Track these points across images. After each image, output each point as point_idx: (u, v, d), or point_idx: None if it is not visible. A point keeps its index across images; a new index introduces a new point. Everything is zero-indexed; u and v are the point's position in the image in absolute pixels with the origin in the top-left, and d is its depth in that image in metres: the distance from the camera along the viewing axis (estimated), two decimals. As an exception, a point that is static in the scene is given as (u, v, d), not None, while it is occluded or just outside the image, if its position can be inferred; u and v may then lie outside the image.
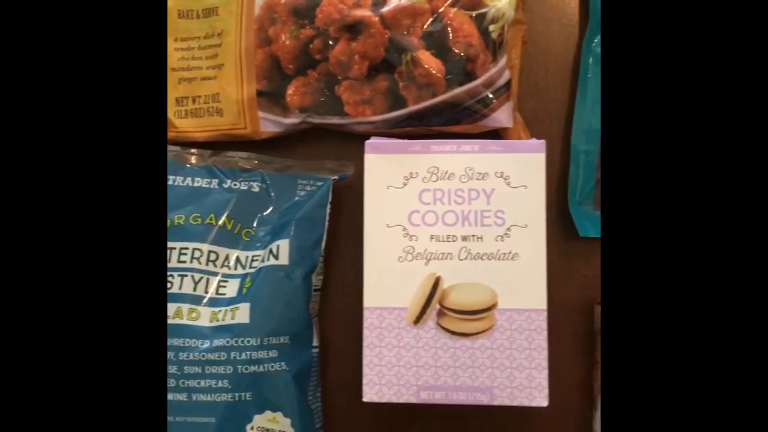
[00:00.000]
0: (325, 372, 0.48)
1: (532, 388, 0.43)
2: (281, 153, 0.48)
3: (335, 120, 0.46)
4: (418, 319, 0.43)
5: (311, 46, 0.46)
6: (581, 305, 0.47)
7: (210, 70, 0.47)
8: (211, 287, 0.45)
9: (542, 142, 0.43)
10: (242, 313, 0.44)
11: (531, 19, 0.48)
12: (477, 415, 0.48)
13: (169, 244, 0.45)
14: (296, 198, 0.46)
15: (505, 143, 0.44)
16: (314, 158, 0.48)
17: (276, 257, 0.44)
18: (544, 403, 0.42)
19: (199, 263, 0.45)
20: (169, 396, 0.43)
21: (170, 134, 0.48)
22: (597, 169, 0.46)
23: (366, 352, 0.43)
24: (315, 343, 0.46)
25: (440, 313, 0.43)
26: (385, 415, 0.48)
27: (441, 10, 0.45)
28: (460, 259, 0.43)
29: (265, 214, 0.46)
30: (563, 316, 0.47)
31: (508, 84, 0.45)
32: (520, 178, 0.43)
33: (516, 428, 0.47)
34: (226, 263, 0.45)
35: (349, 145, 0.47)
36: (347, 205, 0.48)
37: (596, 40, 0.47)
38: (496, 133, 0.47)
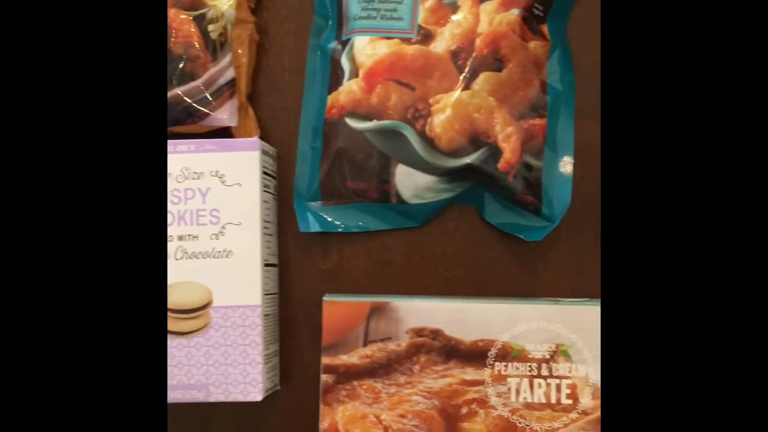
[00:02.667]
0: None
1: (246, 384, 0.43)
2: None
3: (58, 124, 0.46)
4: (135, 320, 0.43)
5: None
6: (317, 299, 0.48)
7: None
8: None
9: (255, 140, 0.44)
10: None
11: (267, 17, 0.49)
12: (212, 408, 0.48)
13: None
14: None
15: (221, 142, 0.44)
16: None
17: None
18: (259, 397, 0.43)
19: None
20: None
21: None
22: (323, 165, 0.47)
23: (85, 354, 0.43)
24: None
25: (157, 313, 0.43)
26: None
27: (162, 11, 0.45)
28: (177, 259, 0.44)
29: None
30: (299, 310, 0.48)
31: (231, 83, 0.46)
32: (235, 176, 0.44)
33: (249, 419, 0.48)
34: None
35: (79, 148, 0.47)
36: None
37: (323, 36, 0.48)
38: (226, 132, 0.47)
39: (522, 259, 0.47)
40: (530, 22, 0.45)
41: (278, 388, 0.47)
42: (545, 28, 0.46)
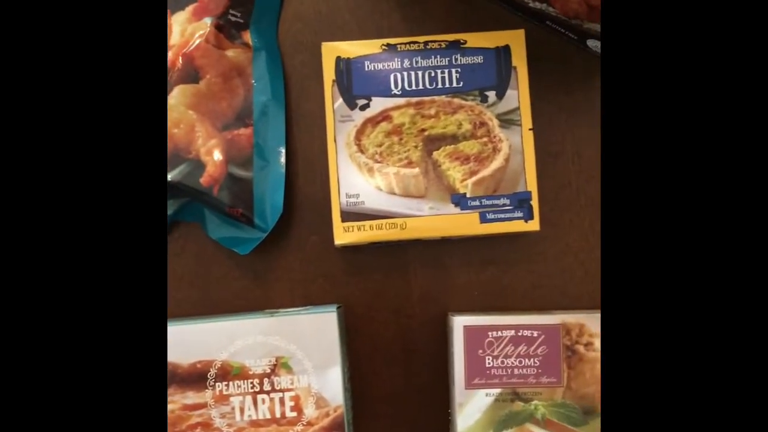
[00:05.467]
0: None
1: None
2: None
3: None
4: None
5: None
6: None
7: None
8: None
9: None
10: None
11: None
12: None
13: None
14: None
15: None
16: None
17: None
18: None
19: None
20: None
21: None
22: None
23: None
24: None
25: None
26: None
27: None
28: None
29: None
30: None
31: None
32: None
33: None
34: None
35: None
36: None
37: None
38: None
39: (253, 272, 0.46)
40: (227, 29, 0.44)
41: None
42: (247, 35, 0.45)
